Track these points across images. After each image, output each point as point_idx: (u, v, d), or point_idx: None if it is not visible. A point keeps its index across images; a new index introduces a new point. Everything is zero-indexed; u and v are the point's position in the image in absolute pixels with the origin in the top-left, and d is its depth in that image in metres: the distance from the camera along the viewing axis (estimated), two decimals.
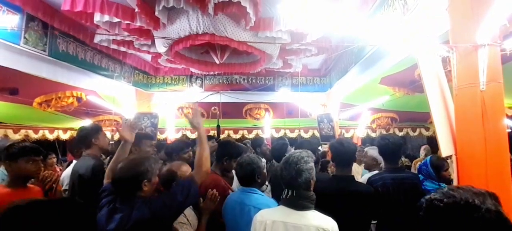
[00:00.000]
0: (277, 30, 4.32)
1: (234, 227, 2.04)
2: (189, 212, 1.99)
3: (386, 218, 2.33)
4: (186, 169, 2.12)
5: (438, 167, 2.63)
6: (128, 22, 4.08)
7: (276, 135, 8.84)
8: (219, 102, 7.17)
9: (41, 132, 7.30)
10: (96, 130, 2.59)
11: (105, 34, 4.67)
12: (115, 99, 6.55)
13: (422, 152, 6.03)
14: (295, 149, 3.18)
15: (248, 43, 4.51)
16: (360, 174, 4.04)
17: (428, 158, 2.77)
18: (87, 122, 6.92)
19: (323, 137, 7.13)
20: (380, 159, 3.20)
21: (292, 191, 1.66)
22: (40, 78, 4.50)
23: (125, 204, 1.66)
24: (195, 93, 7.62)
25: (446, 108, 2.27)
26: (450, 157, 2.21)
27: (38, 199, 1.07)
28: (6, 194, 1.99)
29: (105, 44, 5.04)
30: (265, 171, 2.32)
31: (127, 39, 4.96)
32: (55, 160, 4.48)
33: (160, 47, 4.85)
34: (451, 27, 2.21)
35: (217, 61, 5.07)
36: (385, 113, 8.31)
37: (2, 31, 3.60)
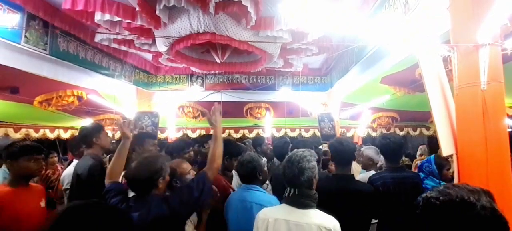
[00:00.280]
0: (278, 30, 4.31)
1: (236, 224, 2.06)
2: None
3: (387, 217, 2.34)
4: (186, 166, 2.14)
5: (442, 165, 2.64)
6: (129, 21, 4.08)
7: (277, 134, 8.84)
8: (220, 102, 7.16)
9: (41, 131, 7.30)
10: (97, 129, 2.59)
11: (105, 33, 4.67)
12: (116, 98, 6.56)
13: (418, 152, 6.03)
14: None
15: (249, 43, 4.51)
16: (359, 172, 4.05)
17: (432, 156, 2.78)
18: (88, 121, 6.93)
19: (323, 136, 7.13)
20: (376, 158, 3.22)
21: (295, 189, 1.68)
22: (41, 77, 4.51)
23: (140, 202, 1.68)
24: (195, 93, 7.62)
25: (447, 108, 2.26)
26: (450, 156, 2.21)
27: (93, 201, 1.14)
28: (7, 192, 1.99)
29: (105, 43, 5.05)
30: (266, 169, 2.33)
31: (127, 38, 4.96)
32: (56, 158, 4.49)
33: (161, 46, 4.85)
34: (452, 27, 2.21)
35: (218, 61, 5.07)
36: (385, 112, 8.31)
37: (3, 30, 3.60)
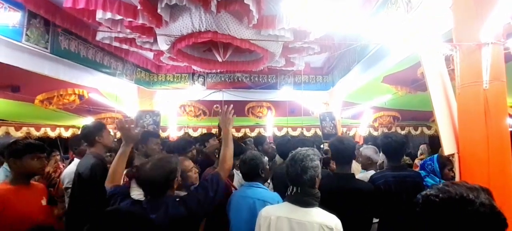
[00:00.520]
0: (280, 28, 4.30)
1: (239, 221, 2.07)
2: None
3: (388, 216, 2.33)
4: (188, 164, 2.15)
5: (444, 164, 2.64)
6: (130, 19, 4.08)
7: (278, 133, 8.85)
8: (221, 101, 7.17)
9: (43, 130, 7.31)
10: (99, 128, 2.59)
11: (107, 31, 4.67)
12: (117, 97, 6.56)
13: (419, 151, 6.03)
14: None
15: (251, 41, 4.50)
16: (359, 172, 4.05)
17: (436, 155, 2.79)
18: (89, 120, 6.94)
19: (325, 135, 7.14)
20: (375, 157, 3.22)
21: (297, 187, 1.69)
22: (42, 76, 4.50)
23: (155, 204, 1.67)
24: (197, 91, 7.63)
25: (449, 107, 2.26)
26: (452, 155, 2.21)
27: (117, 208, 1.27)
28: (9, 190, 1.99)
29: (107, 41, 5.04)
30: (268, 167, 2.35)
31: (129, 36, 4.96)
32: (58, 157, 4.50)
33: (163, 45, 4.85)
34: (455, 26, 2.20)
35: (220, 59, 5.07)
36: (387, 112, 8.30)
37: (4, 28, 3.60)
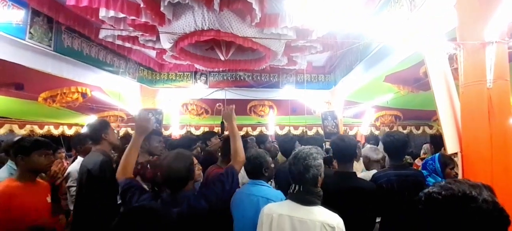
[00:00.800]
0: (283, 27, 4.30)
1: (242, 218, 2.08)
2: None
3: (390, 215, 2.33)
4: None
5: (446, 163, 2.63)
6: (133, 17, 4.09)
7: (280, 132, 8.84)
8: (223, 99, 7.17)
9: (46, 127, 7.33)
10: (105, 125, 2.61)
11: (110, 29, 4.68)
12: (120, 95, 6.58)
13: (422, 151, 6.03)
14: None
15: (253, 40, 4.50)
16: (361, 171, 4.06)
17: (437, 154, 2.78)
18: (92, 118, 6.96)
19: (327, 134, 7.12)
20: (373, 156, 3.23)
21: (299, 186, 1.69)
22: (45, 74, 4.52)
23: (176, 198, 1.71)
24: (199, 90, 7.64)
25: (452, 106, 2.26)
26: (455, 154, 2.21)
27: (147, 205, 1.34)
28: (17, 187, 2.02)
29: (110, 40, 5.05)
30: (272, 165, 2.35)
31: (132, 35, 4.96)
32: (64, 154, 4.51)
33: (165, 43, 4.86)
34: (459, 24, 2.20)
35: (222, 58, 5.07)
36: (389, 111, 8.29)
37: (7, 26, 3.62)
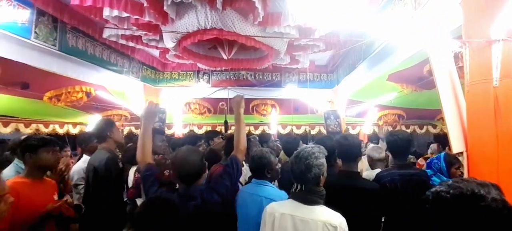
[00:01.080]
0: (285, 26, 4.30)
1: (246, 217, 2.09)
2: None
3: (394, 214, 2.32)
4: None
5: (451, 163, 2.62)
6: (137, 17, 4.10)
7: (283, 131, 8.83)
8: (226, 98, 7.18)
9: (51, 126, 7.38)
10: (110, 124, 2.67)
11: (113, 28, 4.70)
12: (124, 94, 6.61)
13: (429, 150, 6.00)
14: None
15: (256, 39, 4.50)
16: (366, 169, 4.06)
17: (443, 153, 2.77)
18: (96, 117, 7.00)
19: (329, 133, 7.10)
20: (375, 155, 3.24)
21: (301, 185, 1.68)
22: (50, 73, 4.55)
23: (190, 192, 1.76)
24: (202, 89, 7.65)
25: (457, 105, 2.24)
26: (461, 153, 2.19)
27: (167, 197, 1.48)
28: (25, 184, 2.05)
29: (113, 39, 5.08)
30: (278, 167, 2.35)
31: (135, 34, 4.98)
32: (69, 152, 4.55)
33: (168, 42, 4.87)
34: (464, 22, 2.18)
35: (225, 57, 5.07)
36: (392, 110, 8.24)
37: (13, 25, 3.64)
